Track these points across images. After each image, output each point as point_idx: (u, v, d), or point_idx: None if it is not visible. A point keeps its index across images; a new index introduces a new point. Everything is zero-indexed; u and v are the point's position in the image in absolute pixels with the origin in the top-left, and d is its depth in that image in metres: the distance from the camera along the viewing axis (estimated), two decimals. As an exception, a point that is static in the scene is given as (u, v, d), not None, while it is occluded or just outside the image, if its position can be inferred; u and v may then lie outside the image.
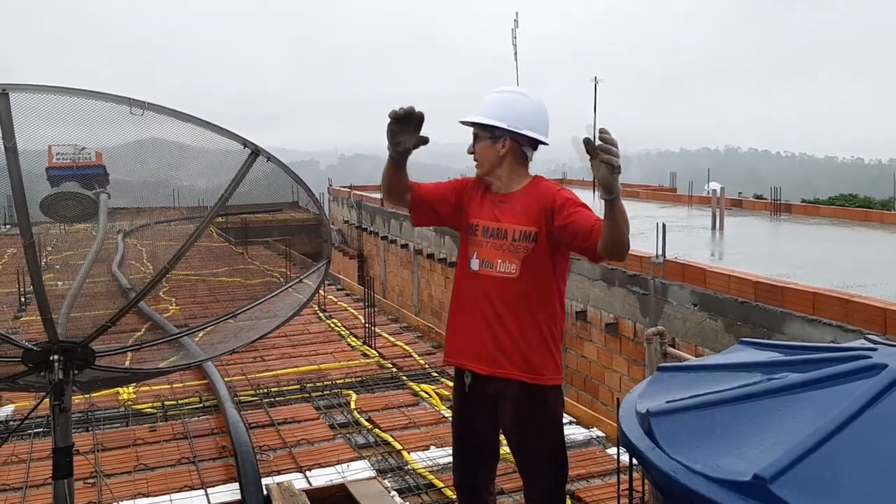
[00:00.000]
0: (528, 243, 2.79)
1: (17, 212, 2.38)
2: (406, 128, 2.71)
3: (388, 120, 2.69)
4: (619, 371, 8.41)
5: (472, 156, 2.92)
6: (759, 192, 21.97)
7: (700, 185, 19.14)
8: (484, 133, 2.85)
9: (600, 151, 2.41)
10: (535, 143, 2.88)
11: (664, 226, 7.91)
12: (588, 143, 2.48)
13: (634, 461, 1.81)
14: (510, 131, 2.81)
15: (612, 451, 4.71)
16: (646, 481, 2.60)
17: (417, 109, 2.68)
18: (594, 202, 2.85)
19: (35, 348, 2.61)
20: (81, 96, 2.33)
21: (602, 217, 2.62)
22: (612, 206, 2.52)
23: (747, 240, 11.74)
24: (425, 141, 2.75)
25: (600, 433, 5.13)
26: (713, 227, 12.03)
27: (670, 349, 5.86)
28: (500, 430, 2.99)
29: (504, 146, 2.83)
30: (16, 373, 2.75)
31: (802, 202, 18.27)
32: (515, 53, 18.21)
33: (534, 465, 2.94)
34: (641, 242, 9.57)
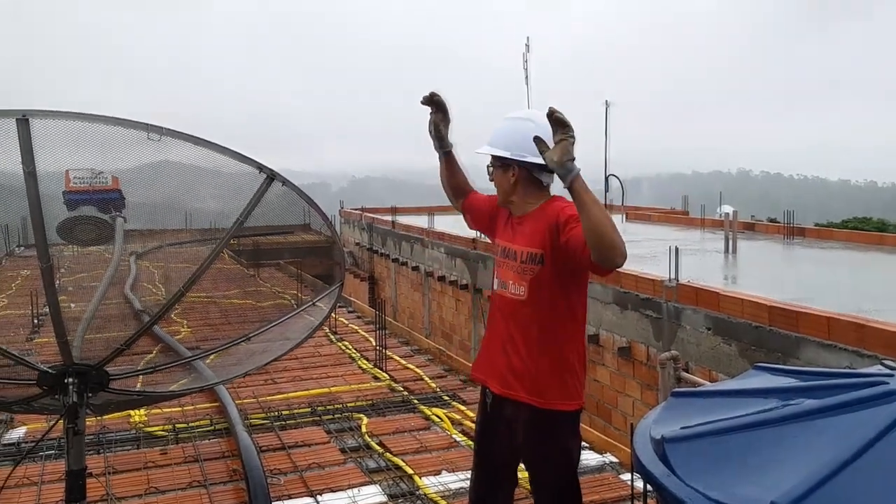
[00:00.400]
0: (535, 265, 2.80)
1: (35, 236, 2.40)
2: (436, 117, 2.99)
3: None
4: (633, 396, 8.35)
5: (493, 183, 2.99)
6: (772, 215, 21.89)
7: (712, 208, 19.10)
8: (496, 162, 2.90)
9: (551, 112, 2.44)
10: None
11: (677, 249, 7.88)
12: (537, 140, 2.53)
13: (649, 487, 1.80)
14: (516, 160, 2.83)
15: (626, 476, 4.67)
16: (660, 508, 2.57)
17: (437, 97, 2.96)
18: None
19: (50, 371, 2.62)
20: (99, 122, 2.37)
21: None
22: (576, 192, 2.49)
23: (761, 263, 11.67)
24: (435, 121, 3.00)
25: (614, 459, 5.09)
26: (726, 251, 11.98)
27: (684, 374, 5.81)
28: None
29: (514, 174, 2.86)
30: (30, 395, 2.76)
31: (816, 226, 18.17)
32: (527, 77, 18.33)
33: (541, 491, 2.91)
34: (654, 265, 9.53)
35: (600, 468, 4.95)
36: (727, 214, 13.29)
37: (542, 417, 2.80)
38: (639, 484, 4.22)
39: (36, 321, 8.73)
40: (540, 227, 2.80)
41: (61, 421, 2.65)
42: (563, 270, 2.77)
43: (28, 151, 2.30)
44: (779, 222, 16.39)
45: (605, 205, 20.66)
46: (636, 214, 19.75)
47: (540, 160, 2.73)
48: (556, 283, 2.79)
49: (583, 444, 5.17)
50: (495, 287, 2.97)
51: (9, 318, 9.52)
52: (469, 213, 3.21)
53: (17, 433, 5.67)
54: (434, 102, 2.97)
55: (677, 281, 7.80)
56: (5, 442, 5.50)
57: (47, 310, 2.63)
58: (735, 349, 6.95)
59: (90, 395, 2.66)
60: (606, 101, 22.26)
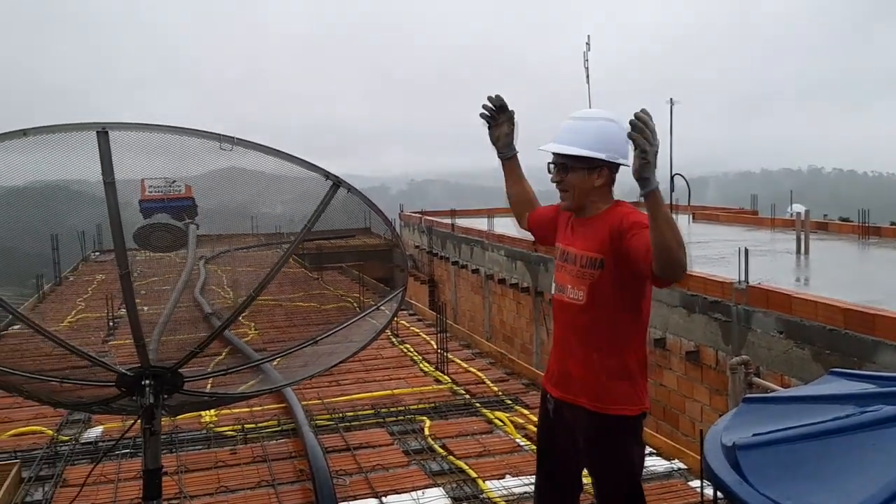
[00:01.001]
0: (594, 270, 2.72)
1: (114, 243, 2.50)
2: (499, 124, 3.04)
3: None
4: (701, 401, 8.18)
5: (556, 185, 2.84)
6: (845, 214, 21.15)
7: (783, 207, 18.58)
8: (578, 164, 2.74)
9: (632, 131, 2.27)
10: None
11: (746, 250, 7.69)
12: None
13: (720, 495, 1.76)
14: (609, 162, 2.73)
15: (695, 483, 4.58)
16: (731, 516, 2.52)
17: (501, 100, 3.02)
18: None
19: (128, 373, 2.72)
20: (174, 133, 2.45)
21: None
22: (650, 206, 2.37)
23: (834, 264, 11.30)
24: (502, 129, 3.04)
25: (682, 465, 4.99)
26: (798, 252, 11.64)
27: (756, 379, 5.66)
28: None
29: (601, 176, 2.75)
30: (108, 395, 2.87)
31: (892, 224, 17.47)
32: (587, 76, 18.16)
33: (603, 499, 2.87)
34: (723, 267, 9.33)
35: (668, 475, 4.87)
36: (798, 214, 12.92)
37: (601, 422, 2.76)
38: (708, 491, 4.13)
39: (111, 324, 9.07)
40: (602, 232, 2.73)
41: (137, 421, 2.75)
42: (623, 276, 2.69)
43: (108, 163, 2.40)
44: (852, 221, 15.83)
45: (671, 205, 20.37)
46: (703, 215, 19.35)
47: (628, 163, 2.58)
48: (615, 288, 2.72)
49: (650, 450, 5.11)
50: (553, 291, 2.93)
51: (86, 321, 9.93)
52: (536, 229, 3.15)
53: (95, 432, 5.89)
54: (501, 107, 3.02)
55: (747, 283, 7.62)
56: (83, 441, 5.72)
57: (122, 312, 2.74)
58: (808, 353, 6.74)
59: (166, 396, 2.75)
60: (671, 99, 21.99)
